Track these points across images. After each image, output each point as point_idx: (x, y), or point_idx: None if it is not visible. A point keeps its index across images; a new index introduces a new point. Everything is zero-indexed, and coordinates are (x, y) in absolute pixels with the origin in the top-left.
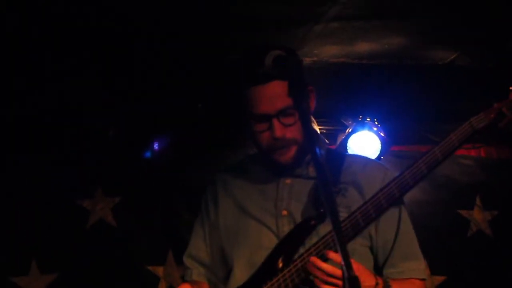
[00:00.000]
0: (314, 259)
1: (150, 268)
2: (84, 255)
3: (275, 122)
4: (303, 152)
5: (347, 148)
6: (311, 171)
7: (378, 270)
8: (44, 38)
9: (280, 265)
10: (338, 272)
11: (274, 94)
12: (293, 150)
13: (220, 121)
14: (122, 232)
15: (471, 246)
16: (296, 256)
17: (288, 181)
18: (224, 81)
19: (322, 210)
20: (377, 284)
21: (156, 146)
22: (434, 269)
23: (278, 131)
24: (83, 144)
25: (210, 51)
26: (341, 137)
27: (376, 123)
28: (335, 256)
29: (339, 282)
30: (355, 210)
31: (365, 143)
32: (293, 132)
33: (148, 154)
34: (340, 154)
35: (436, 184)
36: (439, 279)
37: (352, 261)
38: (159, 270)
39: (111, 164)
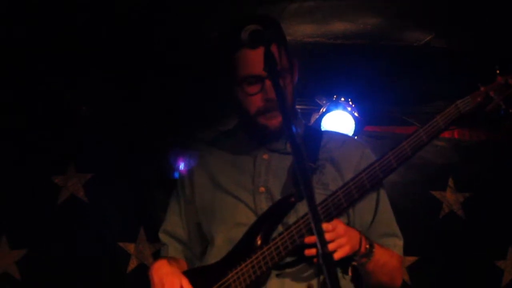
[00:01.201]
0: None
1: (121, 244)
2: (54, 231)
3: (268, 83)
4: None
5: (321, 127)
6: (289, 146)
7: None
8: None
9: (259, 242)
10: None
11: None
12: (280, 116)
13: (193, 97)
14: (94, 208)
15: (443, 227)
16: (275, 234)
17: (265, 156)
18: (212, 47)
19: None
20: (360, 242)
21: None
22: (405, 250)
23: (271, 92)
24: (56, 120)
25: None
26: (315, 117)
27: (350, 103)
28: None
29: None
30: (337, 189)
31: (339, 122)
32: (286, 95)
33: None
34: (318, 131)
35: (409, 165)
36: (411, 259)
37: (339, 221)
38: (130, 247)
39: (84, 141)
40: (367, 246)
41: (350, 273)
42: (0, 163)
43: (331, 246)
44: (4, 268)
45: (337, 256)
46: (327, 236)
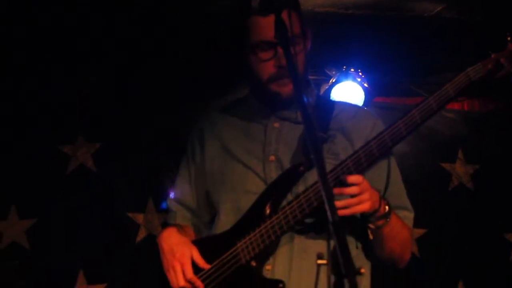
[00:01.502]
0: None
1: (130, 215)
2: (63, 200)
3: (281, 49)
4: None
5: (331, 98)
6: (300, 115)
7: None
8: None
9: (268, 211)
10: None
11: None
12: (292, 84)
13: (204, 63)
14: (103, 178)
15: (452, 200)
16: (284, 203)
17: (276, 124)
18: (225, 13)
19: (310, 157)
20: (380, 202)
21: None
22: (414, 222)
23: (284, 59)
24: (66, 89)
25: None
26: (324, 87)
27: (360, 73)
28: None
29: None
30: (347, 158)
31: (348, 93)
32: (297, 63)
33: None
34: (330, 101)
35: (418, 137)
36: (420, 231)
37: (361, 178)
38: (139, 217)
39: (93, 110)
40: (386, 208)
41: (370, 236)
42: (9, 132)
43: (354, 200)
44: (13, 237)
45: (358, 209)
46: (353, 189)
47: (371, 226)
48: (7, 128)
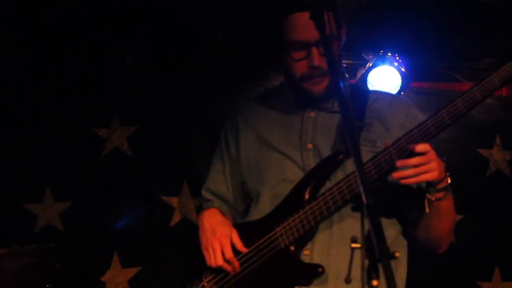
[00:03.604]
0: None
1: (164, 198)
2: (98, 184)
3: (314, 50)
4: (332, 86)
5: (367, 82)
6: (336, 105)
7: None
8: None
9: (307, 197)
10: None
11: None
12: (327, 81)
13: (239, 53)
14: (137, 161)
15: (489, 186)
16: (323, 190)
17: (312, 113)
18: (263, 9)
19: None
20: (446, 174)
21: None
22: None
23: (317, 59)
24: (101, 73)
25: None
26: (361, 72)
27: (397, 58)
28: None
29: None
30: (390, 146)
31: (385, 78)
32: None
33: None
34: (365, 90)
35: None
36: (457, 217)
37: (428, 147)
38: (174, 201)
39: (129, 93)
40: (449, 180)
41: (427, 209)
42: (45, 115)
43: (422, 168)
44: (48, 220)
45: (426, 177)
46: (422, 159)
47: (431, 197)
48: (41, 110)
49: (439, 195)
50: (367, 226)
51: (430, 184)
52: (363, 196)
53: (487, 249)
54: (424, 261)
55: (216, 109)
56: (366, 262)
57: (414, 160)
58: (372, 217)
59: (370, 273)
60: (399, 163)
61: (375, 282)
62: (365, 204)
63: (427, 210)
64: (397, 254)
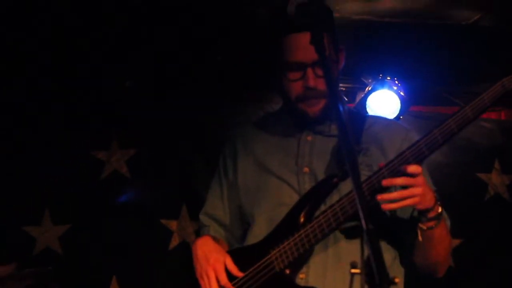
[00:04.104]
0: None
1: (163, 221)
2: (97, 206)
3: (309, 71)
4: (329, 108)
5: (366, 106)
6: (333, 129)
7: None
8: None
9: (302, 220)
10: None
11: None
12: (322, 103)
13: (239, 75)
14: (136, 184)
15: (488, 210)
16: (318, 213)
17: (309, 137)
18: (257, 32)
19: (344, 168)
20: (436, 202)
21: None
22: (450, 232)
23: (312, 80)
24: (100, 95)
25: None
26: (360, 96)
27: (396, 82)
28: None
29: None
30: (383, 166)
31: (384, 102)
32: (325, 85)
33: None
34: (361, 115)
35: (455, 147)
36: (455, 242)
37: (420, 169)
38: (173, 224)
39: (127, 116)
40: (439, 209)
41: (420, 238)
42: (44, 137)
43: (406, 192)
44: (47, 243)
45: (409, 202)
46: (408, 180)
47: (422, 226)
48: (41, 133)
49: (431, 224)
50: (366, 251)
51: (421, 213)
52: (363, 221)
53: (486, 273)
54: (422, 286)
55: (215, 133)
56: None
57: (400, 180)
58: (372, 242)
59: None
60: (385, 182)
61: None
62: (364, 229)
63: (420, 238)
64: (396, 280)
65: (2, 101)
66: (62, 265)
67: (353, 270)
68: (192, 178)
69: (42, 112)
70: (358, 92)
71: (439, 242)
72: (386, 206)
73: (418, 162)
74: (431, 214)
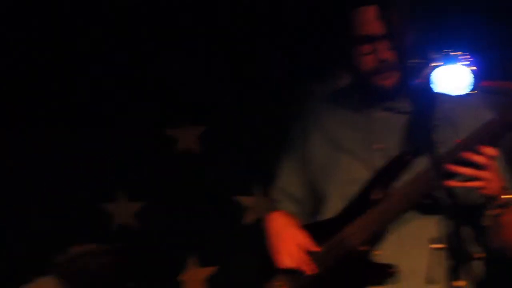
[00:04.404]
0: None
1: (237, 198)
2: (171, 183)
3: (380, 44)
4: (401, 83)
5: (435, 82)
6: (403, 106)
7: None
8: None
9: (375, 197)
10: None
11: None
12: (395, 76)
13: (307, 51)
14: (209, 161)
15: None
16: (392, 189)
17: (380, 114)
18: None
19: (417, 145)
20: (499, 193)
21: None
22: None
23: (384, 53)
24: (172, 72)
25: None
26: (427, 71)
27: (467, 56)
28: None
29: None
30: (459, 143)
31: (454, 77)
32: (396, 57)
33: None
34: (433, 92)
35: None
36: None
37: (495, 152)
38: (247, 200)
39: (199, 93)
40: (505, 198)
41: (487, 221)
42: (117, 115)
43: (474, 172)
44: (123, 219)
45: (473, 184)
46: (482, 159)
47: (488, 212)
48: (115, 110)
49: (497, 211)
50: (445, 227)
51: (486, 198)
52: (445, 197)
53: None
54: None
55: (286, 109)
56: (448, 262)
57: (477, 158)
58: (454, 218)
59: (455, 273)
60: (465, 154)
61: (461, 283)
62: (447, 205)
63: (488, 222)
64: (478, 255)
65: (78, 78)
66: (139, 242)
67: (433, 246)
68: (265, 154)
69: (116, 90)
70: (426, 67)
71: (509, 227)
72: (449, 183)
73: (494, 142)
74: (496, 203)
